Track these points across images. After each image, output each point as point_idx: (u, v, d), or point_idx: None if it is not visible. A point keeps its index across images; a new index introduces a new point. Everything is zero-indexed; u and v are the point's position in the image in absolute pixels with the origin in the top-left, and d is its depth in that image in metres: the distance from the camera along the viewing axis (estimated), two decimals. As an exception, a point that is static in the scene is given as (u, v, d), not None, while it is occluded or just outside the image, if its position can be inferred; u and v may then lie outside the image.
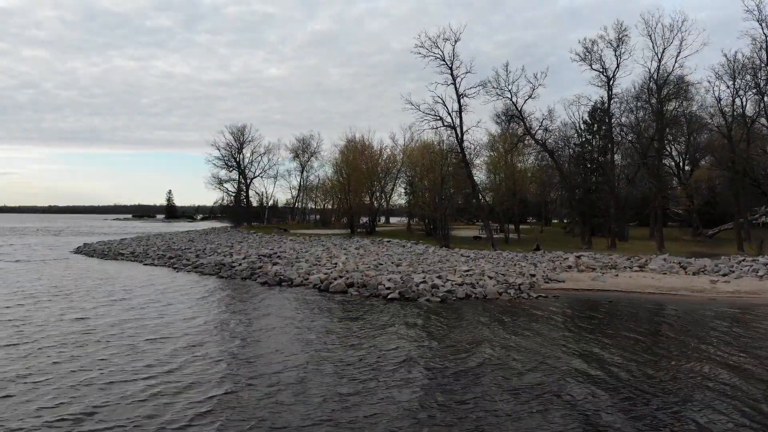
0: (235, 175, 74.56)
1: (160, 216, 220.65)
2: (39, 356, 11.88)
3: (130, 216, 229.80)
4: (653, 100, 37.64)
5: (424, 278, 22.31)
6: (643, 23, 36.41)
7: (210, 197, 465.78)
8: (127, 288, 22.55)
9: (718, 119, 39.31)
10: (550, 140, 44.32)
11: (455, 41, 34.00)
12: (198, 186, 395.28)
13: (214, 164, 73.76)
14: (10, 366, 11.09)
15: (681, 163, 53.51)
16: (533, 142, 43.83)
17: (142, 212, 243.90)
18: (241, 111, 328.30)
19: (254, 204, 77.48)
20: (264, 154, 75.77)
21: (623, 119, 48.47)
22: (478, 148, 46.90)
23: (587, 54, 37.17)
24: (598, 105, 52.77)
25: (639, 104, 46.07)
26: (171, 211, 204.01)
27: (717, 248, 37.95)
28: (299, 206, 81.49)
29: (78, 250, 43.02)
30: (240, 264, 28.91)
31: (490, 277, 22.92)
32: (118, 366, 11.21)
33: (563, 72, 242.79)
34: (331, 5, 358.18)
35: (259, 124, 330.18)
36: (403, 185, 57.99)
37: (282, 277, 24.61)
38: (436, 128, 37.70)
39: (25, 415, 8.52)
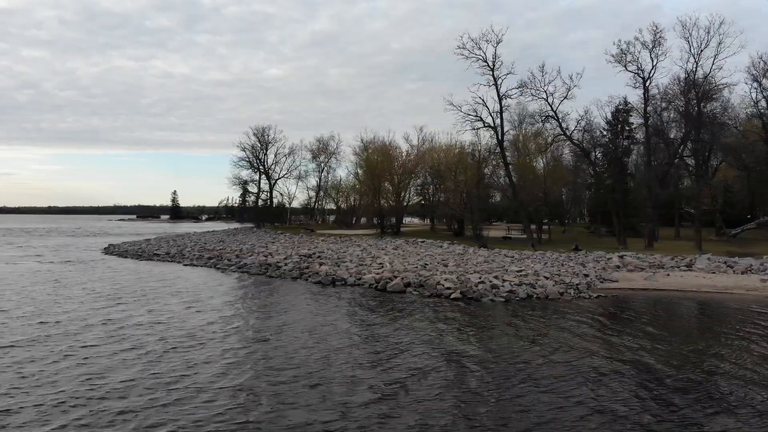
0: (256, 175, 74.70)
1: (164, 216, 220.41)
2: (183, 356, 12.01)
3: (134, 216, 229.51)
4: (692, 101, 37.84)
5: (480, 278, 22.43)
6: (680, 25, 36.66)
7: (213, 198, 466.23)
8: (190, 289, 22.59)
9: (756, 121, 39.48)
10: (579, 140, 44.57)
11: (497, 43, 34.15)
12: (200, 186, 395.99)
13: (240, 165, 74.02)
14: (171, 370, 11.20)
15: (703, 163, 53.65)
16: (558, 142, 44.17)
17: (145, 213, 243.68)
18: (241, 111, 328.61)
19: (273, 204, 77.45)
20: (288, 155, 76.04)
21: (649, 120, 48.80)
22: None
23: (622, 55, 37.38)
24: (621, 106, 53.28)
25: (665, 105, 46.37)
26: (176, 212, 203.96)
27: (748, 247, 38.12)
28: (319, 207, 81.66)
29: (108, 251, 43.06)
30: (286, 264, 29.02)
31: (546, 278, 23.03)
32: (276, 367, 11.33)
33: (564, 72, 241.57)
34: (331, 5, 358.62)
35: (259, 124, 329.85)
36: (420, 186, 58.02)
37: (334, 276, 24.71)
38: (477, 129, 38.00)
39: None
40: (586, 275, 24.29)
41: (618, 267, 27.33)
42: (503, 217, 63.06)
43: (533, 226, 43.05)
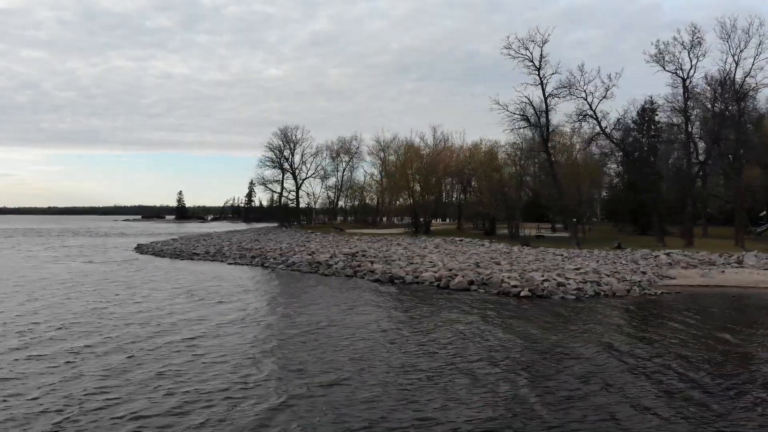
0: (279, 175, 74.94)
1: (169, 217, 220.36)
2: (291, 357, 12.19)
3: (139, 217, 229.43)
4: (729, 101, 38.15)
5: (543, 276, 22.65)
6: (719, 26, 37.04)
7: (213, 198, 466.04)
8: (255, 288, 22.87)
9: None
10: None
11: (543, 43, 34.50)
12: (200, 187, 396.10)
13: (266, 165, 74.37)
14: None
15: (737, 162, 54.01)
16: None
17: (149, 213, 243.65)
18: (240, 111, 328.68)
19: (289, 203, 77.66)
20: (314, 155, 76.44)
21: (674, 119, 49.12)
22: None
23: (660, 56, 37.70)
24: (647, 105, 53.59)
25: (691, 104, 46.66)
26: (182, 212, 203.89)
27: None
28: (343, 206, 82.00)
29: (141, 251, 43.20)
30: (336, 263, 29.22)
31: (608, 275, 23.29)
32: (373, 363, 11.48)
33: (563, 71, 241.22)
34: (330, 5, 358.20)
35: (259, 124, 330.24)
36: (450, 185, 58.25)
37: (392, 274, 24.87)
38: (522, 128, 38.25)
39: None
40: (644, 273, 24.53)
41: (670, 264, 27.58)
42: (527, 217, 63.14)
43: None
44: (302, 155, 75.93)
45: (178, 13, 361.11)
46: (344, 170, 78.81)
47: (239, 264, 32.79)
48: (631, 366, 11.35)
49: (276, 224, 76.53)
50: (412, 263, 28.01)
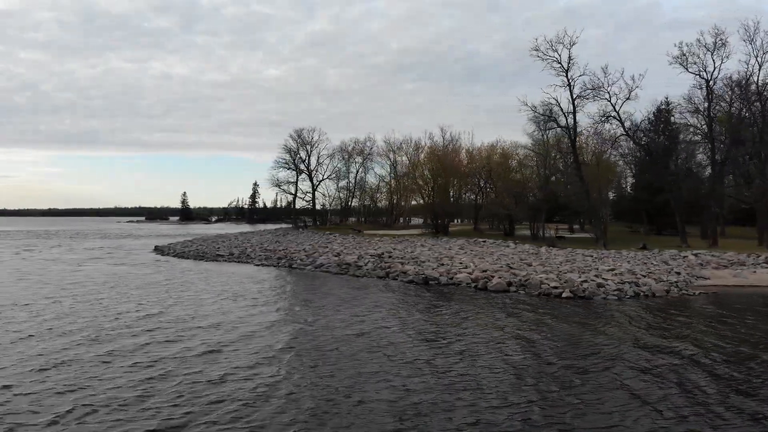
0: (294, 177, 75.19)
1: (173, 218, 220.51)
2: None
3: (143, 218, 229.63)
4: (755, 102, 38.32)
5: (580, 277, 22.77)
6: (742, 29, 37.19)
7: (214, 199, 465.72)
8: (293, 291, 22.95)
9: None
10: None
11: (571, 45, 34.78)
12: (201, 187, 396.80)
13: (283, 166, 74.62)
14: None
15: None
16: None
17: (153, 214, 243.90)
18: (239, 112, 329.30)
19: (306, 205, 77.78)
20: (330, 156, 76.76)
21: (690, 119, 49.25)
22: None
23: (683, 57, 37.85)
24: (663, 105, 53.71)
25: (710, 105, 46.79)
26: (186, 213, 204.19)
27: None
28: (356, 207, 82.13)
29: (163, 253, 43.32)
30: (366, 264, 29.34)
31: (644, 276, 23.41)
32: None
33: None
34: (329, 6, 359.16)
35: (258, 125, 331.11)
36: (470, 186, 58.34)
37: (426, 276, 24.97)
38: (550, 129, 38.38)
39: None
40: (678, 273, 24.64)
41: (701, 265, 27.70)
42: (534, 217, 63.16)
43: (574, 226, 43.45)
44: (318, 157, 76.22)
45: (177, 14, 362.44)
46: (357, 171, 79.04)
47: (266, 265, 32.92)
48: (700, 369, 11.43)
49: (284, 225, 76.52)
50: (443, 264, 28.10)
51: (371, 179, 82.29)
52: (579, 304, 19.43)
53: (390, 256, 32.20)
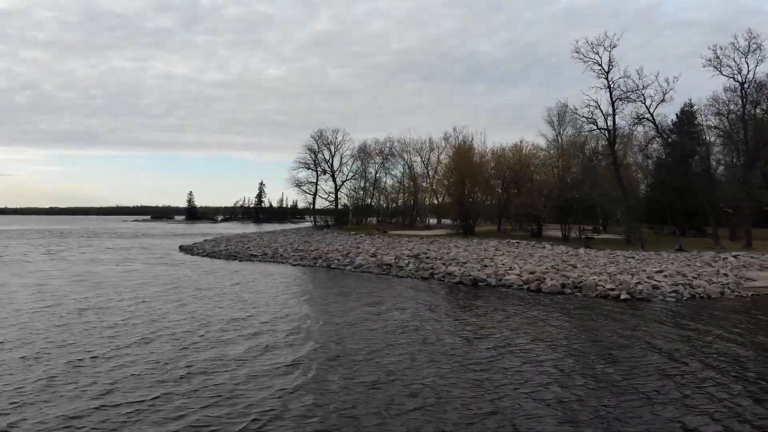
0: (314, 177, 75.37)
1: (179, 217, 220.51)
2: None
3: (148, 217, 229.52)
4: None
5: (634, 278, 22.82)
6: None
7: (218, 199, 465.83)
8: (347, 292, 22.98)
9: None
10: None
11: (611, 47, 34.97)
12: (201, 187, 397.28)
13: (306, 166, 74.81)
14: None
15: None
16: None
17: (157, 213, 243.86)
18: (240, 112, 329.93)
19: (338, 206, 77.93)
20: (354, 158, 77.00)
21: (714, 121, 49.37)
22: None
23: (717, 60, 37.89)
24: (687, 107, 53.83)
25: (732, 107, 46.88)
26: (192, 213, 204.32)
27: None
28: (375, 207, 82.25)
29: (192, 252, 43.36)
30: (407, 265, 29.38)
31: (694, 277, 23.47)
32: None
33: (564, 71, 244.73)
34: (330, 6, 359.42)
35: (259, 125, 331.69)
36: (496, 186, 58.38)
37: (475, 277, 24.99)
38: (590, 131, 38.51)
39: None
40: (726, 275, 24.68)
41: (744, 266, 27.75)
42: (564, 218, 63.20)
43: (598, 227, 43.43)
44: (341, 157, 76.42)
45: (178, 14, 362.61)
46: (376, 172, 79.16)
47: (302, 265, 32.99)
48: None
49: (300, 225, 76.58)
50: (486, 266, 28.12)
51: (388, 180, 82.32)
52: (638, 306, 19.47)
53: (427, 257, 32.21)
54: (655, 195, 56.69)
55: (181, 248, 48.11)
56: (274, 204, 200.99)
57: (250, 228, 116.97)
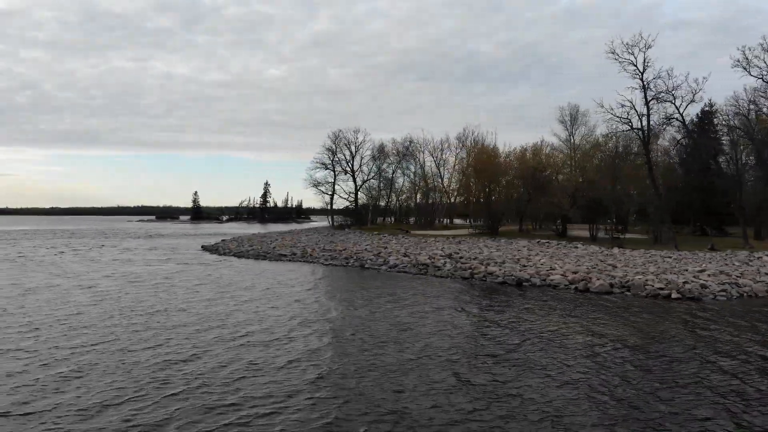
0: (331, 177, 75.60)
1: (183, 217, 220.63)
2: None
3: (153, 217, 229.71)
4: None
5: (679, 278, 22.91)
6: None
7: (219, 199, 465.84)
8: (393, 293, 23.09)
9: None
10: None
11: (646, 48, 35.19)
12: (202, 187, 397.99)
13: (326, 166, 75.15)
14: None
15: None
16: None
17: (163, 214, 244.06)
18: (240, 112, 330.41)
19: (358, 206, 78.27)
20: (375, 158, 77.27)
21: (735, 121, 49.44)
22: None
23: (745, 61, 38.00)
24: (707, 107, 53.92)
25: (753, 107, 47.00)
26: (197, 213, 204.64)
27: None
28: (394, 206, 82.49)
29: (219, 252, 43.41)
30: (444, 265, 29.45)
31: (738, 276, 23.58)
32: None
33: (564, 71, 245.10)
34: (330, 6, 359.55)
35: (258, 125, 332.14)
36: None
37: (519, 277, 25.05)
38: (624, 131, 38.75)
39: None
40: (767, 274, 24.80)
41: (783, 266, 27.86)
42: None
43: (619, 227, 43.43)
44: (362, 157, 76.71)
45: (179, 14, 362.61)
46: (393, 172, 79.39)
47: (334, 265, 33.08)
48: None
49: (316, 225, 76.80)
50: (525, 266, 28.20)
51: (402, 180, 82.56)
52: (692, 305, 19.53)
53: (461, 257, 32.30)
54: (674, 195, 56.88)
55: (204, 248, 48.24)
56: (279, 204, 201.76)
57: (256, 228, 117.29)
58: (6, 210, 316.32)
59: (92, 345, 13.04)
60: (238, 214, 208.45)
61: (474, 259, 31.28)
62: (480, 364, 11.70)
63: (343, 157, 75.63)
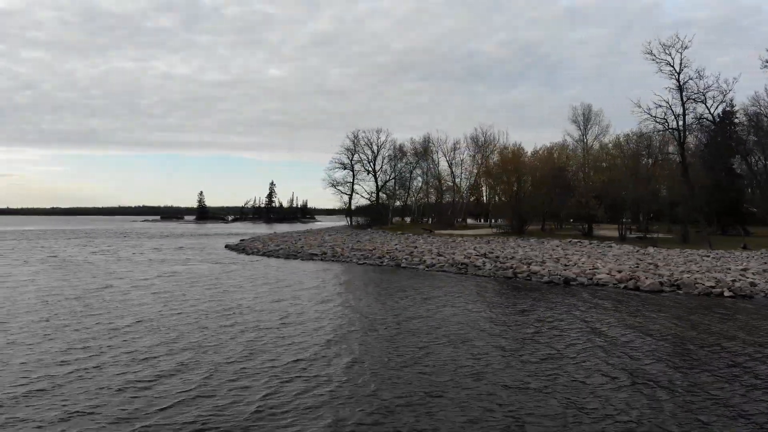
0: (350, 177, 75.87)
1: (188, 217, 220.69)
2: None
3: (158, 218, 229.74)
4: None
5: (727, 276, 23.08)
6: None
7: (225, 199, 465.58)
8: (445, 293, 23.23)
9: None
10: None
11: (683, 49, 35.39)
12: (203, 187, 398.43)
13: (344, 167, 75.50)
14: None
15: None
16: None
17: (168, 213, 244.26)
18: (240, 112, 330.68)
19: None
20: (396, 158, 77.48)
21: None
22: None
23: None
24: (728, 107, 54.08)
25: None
26: (202, 213, 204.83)
27: None
28: (413, 206, 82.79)
29: (246, 252, 43.55)
30: (484, 264, 29.59)
31: (786, 275, 23.78)
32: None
33: (564, 71, 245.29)
34: (331, 5, 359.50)
35: (259, 124, 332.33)
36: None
37: (566, 276, 25.13)
38: (660, 131, 38.99)
39: None
40: (813, 273, 24.98)
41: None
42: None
43: (641, 225, 43.59)
44: (383, 157, 76.96)
45: (179, 14, 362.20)
46: (412, 171, 79.60)
47: (369, 264, 33.26)
48: None
49: (335, 224, 77.03)
50: (566, 265, 28.34)
51: (421, 178, 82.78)
52: (746, 303, 19.67)
53: (496, 256, 32.44)
54: (703, 194, 57.03)
55: (228, 247, 48.48)
56: (284, 203, 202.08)
57: (262, 228, 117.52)
58: (7, 210, 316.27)
59: (199, 345, 13.11)
60: (243, 213, 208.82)
61: (511, 258, 31.42)
62: (554, 367, 11.77)
63: (364, 156, 75.93)
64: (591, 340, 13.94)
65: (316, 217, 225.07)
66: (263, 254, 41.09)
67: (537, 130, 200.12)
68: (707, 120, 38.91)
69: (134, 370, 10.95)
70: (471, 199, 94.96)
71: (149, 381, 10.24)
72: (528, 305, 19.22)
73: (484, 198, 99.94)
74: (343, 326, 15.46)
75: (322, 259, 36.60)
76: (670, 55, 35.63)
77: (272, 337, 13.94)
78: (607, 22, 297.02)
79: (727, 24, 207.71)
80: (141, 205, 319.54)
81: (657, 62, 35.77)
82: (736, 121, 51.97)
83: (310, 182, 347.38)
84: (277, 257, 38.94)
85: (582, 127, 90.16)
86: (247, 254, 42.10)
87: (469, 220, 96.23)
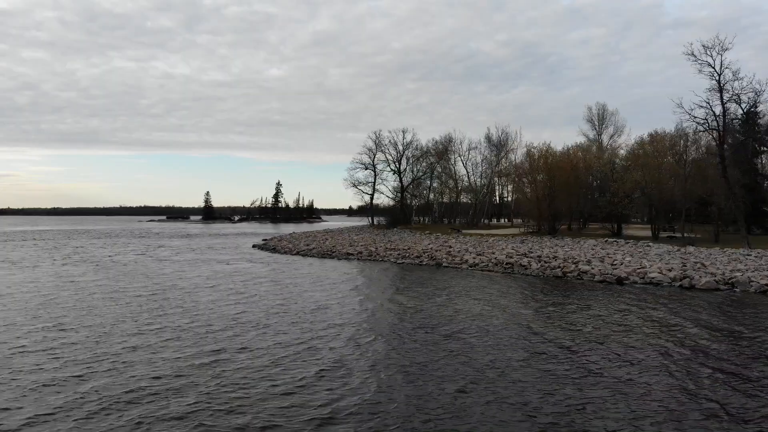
0: (371, 177, 76.31)
1: (195, 217, 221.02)
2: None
3: (164, 218, 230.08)
4: None
5: (781, 276, 23.32)
6: None
7: (225, 199, 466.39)
8: (498, 294, 23.45)
9: None
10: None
11: (723, 50, 35.69)
12: (204, 187, 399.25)
13: (365, 167, 75.92)
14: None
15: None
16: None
17: (174, 213, 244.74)
18: (241, 112, 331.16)
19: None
20: (420, 158, 77.62)
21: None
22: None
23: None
24: (751, 106, 54.25)
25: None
26: (209, 213, 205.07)
27: None
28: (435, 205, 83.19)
29: (279, 251, 43.83)
30: (530, 264, 29.78)
31: (839, 274, 24.00)
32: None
33: (564, 71, 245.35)
34: (332, 5, 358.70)
35: (259, 124, 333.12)
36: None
37: (617, 275, 25.32)
38: (701, 131, 39.33)
39: None
40: None
41: None
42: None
43: (670, 225, 43.61)
44: (408, 158, 77.27)
45: (179, 14, 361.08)
46: (433, 171, 79.77)
47: (408, 263, 33.54)
48: None
49: (355, 224, 77.48)
50: (613, 263, 28.54)
51: (441, 178, 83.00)
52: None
53: (538, 256, 32.64)
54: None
55: (256, 247, 48.95)
56: (291, 204, 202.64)
57: (269, 228, 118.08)
58: (8, 210, 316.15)
59: (309, 346, 13.42)
60: (249, 213, 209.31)
61: (554, 258, 31.63)
62: (638, 371, 11.94)
63: (389, 155, 76.24)
64: (674, 342, 14.12)
65: (323, 217, 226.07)
66: (296, 253, 41.37)
67: (537, 130, 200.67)
68: (738, 120, 39.15)
69: (275, 373, 11.23)
70: (492, 199, 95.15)
71: (292, 384, 10.51)
72: (587, 304, 19.37)
73: (500, 198, 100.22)
74: (424, 325, 15.69)
75: (358, 259, 36.85)
76: (710, 56, 35.99)
77: (365, 331, 14.18)
78: (607, 21, 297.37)
79: (728, 24, 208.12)
80: (143, 205, 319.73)
81: (699, 63, 36.12)
82: (760, 121, 52.12)
83: (311, 182, 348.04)
84: (312, 257, 39.23)
85: (597, 127, 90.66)
86: (281, 254, 42.37)
87: (485, 220, 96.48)
